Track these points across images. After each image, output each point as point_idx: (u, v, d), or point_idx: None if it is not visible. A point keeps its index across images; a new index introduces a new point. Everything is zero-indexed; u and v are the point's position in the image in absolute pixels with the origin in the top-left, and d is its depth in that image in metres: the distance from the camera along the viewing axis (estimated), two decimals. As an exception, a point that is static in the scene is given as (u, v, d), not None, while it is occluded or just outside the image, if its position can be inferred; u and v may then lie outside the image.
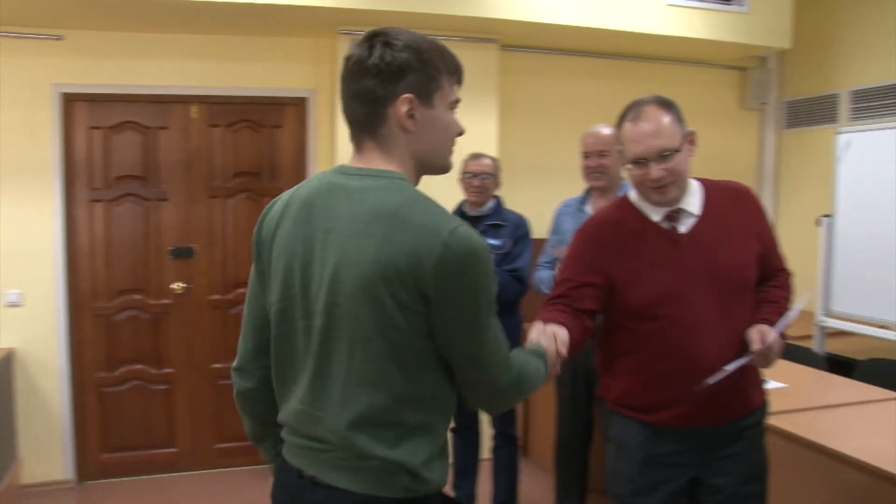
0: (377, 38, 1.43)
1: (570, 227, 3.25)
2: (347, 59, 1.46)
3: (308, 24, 4.13)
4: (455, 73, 1.50)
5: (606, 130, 3.23)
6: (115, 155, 4.21)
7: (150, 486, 4.24)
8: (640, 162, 1.97)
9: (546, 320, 1.84)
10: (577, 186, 3.41)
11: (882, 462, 2.23)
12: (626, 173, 2.08)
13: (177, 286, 4.31)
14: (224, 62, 4.26)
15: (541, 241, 3.52)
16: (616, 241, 2.08)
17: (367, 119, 1.43)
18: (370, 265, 1.31)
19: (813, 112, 5.19)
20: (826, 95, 5.08)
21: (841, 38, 4.98)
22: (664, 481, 2.07)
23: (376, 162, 1.43)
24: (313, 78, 4.40)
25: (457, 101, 1.50)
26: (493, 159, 3.53)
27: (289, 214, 1.46)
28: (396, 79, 1.40)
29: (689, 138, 2.02)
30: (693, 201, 2.05)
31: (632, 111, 2.01)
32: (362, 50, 1.43)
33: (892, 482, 2.07)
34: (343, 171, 1.46)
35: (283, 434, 1.53)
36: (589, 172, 3.24)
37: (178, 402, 4.37)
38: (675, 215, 2.03)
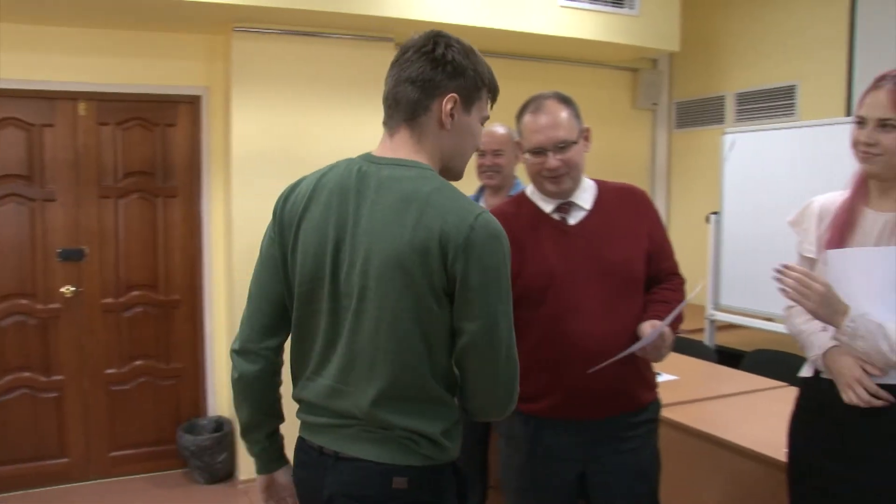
0: (440, 38, 1.53)
1: None
2: (406, 47, 1.54)
3: (202, 21, 4.06)
4: (493, 91, 1.62)
5: (502, 129, 3.29)
6: (-3, 153, 4.03)
7: (41, 499, 4.07)
8: (538, 151, 2.06)
9: None
10: (472, 185, 3.47)
11: (769, 449, 2.31)
12: (523, 164, 2.16)
13: (66, 290, 4.16)
14: (114, 58, 4.13)
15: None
16: (508, 233, 2.14)
17: (412, 104, 1.52)
18: (403, 248, 1.41)
19: (701, 113, 5.42)
20: (713, 97, 5.32)
21: (727, 42, 5.23)
22: (552, 475, 2.12)
23: (405, 151, 1.53)
24: (207, 76, 4.32)
25: (486, 118, 1.63)
26: None
27: (318, 200, 1.54)
28: (452, 76, 1.51)
29: (585, 134, 2.12)
30: (585, 196, 2.14)
31: (533, 104, 2.10)
32: (425, 42, 1.53)
33: (779, 468, 2.13)
34: (372, 159, 1.55)
35: (301, 414, 1.62)
36: (483, 171, 3.29)
37: (69, 411, 4.21)
38: (566, 207, 2.12)
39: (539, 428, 2.12)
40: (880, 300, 1.78)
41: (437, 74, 1.51)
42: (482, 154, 3.28)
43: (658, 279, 2.16)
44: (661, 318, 2.00)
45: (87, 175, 4.17)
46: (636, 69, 5.48)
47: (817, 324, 1.94)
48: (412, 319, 1.43)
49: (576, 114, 2.09)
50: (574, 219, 2.12)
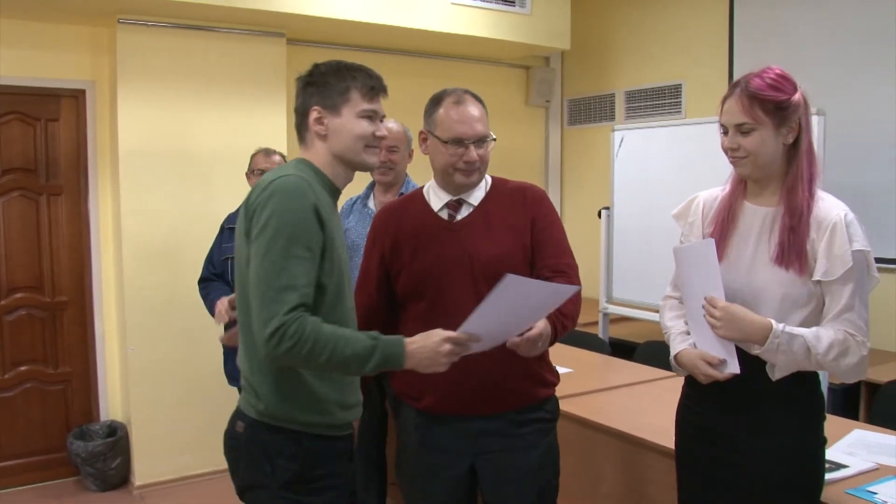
0: (315, 66, 1.92)
1: (354, 223, 3.31)
2: None
3: (85, 11, 3.92)
4: (368, 87, 1.89)
5: (396, 126, 3.31)
6: None
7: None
8: (458, 142, 2.08)
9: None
10: (364, 182, 3.48)
11: (661, 438, 2.37)
12: (437, 155, 2.14)
13: (-59, 294, 3.95)
14: (-9, 49, 3.95)
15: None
16: (393, 227, 2.19)
17: (298, 129, 1.93)
18: (241, 220, 1.81)
19: (592, 110, 5.62)
20: (604, 94, 5.52)
21: (616, 41, 5.44)
22: (442, 467, 2.15)
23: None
24: (92, 69, 4.18)
25: (370, 110, 1.88)
26: (282, 155, 3.53)
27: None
28: (312, 94, 1.88)
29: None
30: (477, 194, 2.18)
31: (452, 96, 2.12)
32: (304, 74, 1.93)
33: (670, 455, 2.17)
34: None
35: None
36: (378, 167, 3.29)
37: (-53, 421, 4.00)
38: (455, 205, 2.16)
39: (428, 423, 2.16)
40: (712, 288, 1.88)
41: (303, 97, 1.88)
42: None
43: (546, 275, 2.13)
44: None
45: (-37, 172, 3.97)
46: (528, 67, 5.63)
47: (680, 324, 2.06)
48: (241, 281, 1.78)
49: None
50: (460, 216, 2.16)
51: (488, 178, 2.22)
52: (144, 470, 4.14)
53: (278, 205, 1.68)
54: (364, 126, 1.86)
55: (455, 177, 2.12)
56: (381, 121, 1.94)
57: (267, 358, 1.65)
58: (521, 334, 1.87)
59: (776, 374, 1.85)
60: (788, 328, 1.79)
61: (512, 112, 5.54)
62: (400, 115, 3.68)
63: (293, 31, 4.40)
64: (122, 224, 4.02)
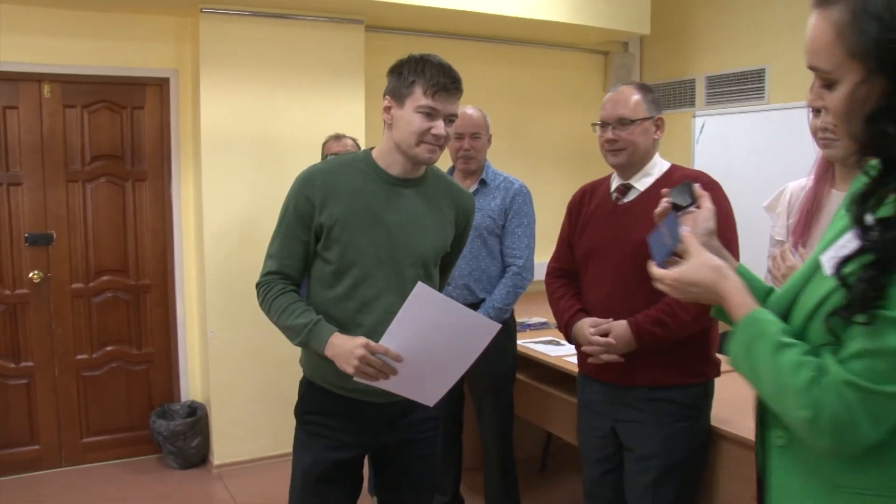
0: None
1: None
2: None
3: (168, 2, 4.01)
4: (429, 84, 1.95)
5: (475, 112, 3.28)
6: (-42, 137, 3.96)
7: (12, 486, 4.02)
8: (602, 125, 2.28)
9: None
10: (445, 167, 3.46)
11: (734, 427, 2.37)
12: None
13: (34, 275, 4.11)
14: (80, 39, 4.06)
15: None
16: (580, 205, 2.46)
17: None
18: None
19: (672, 95, 5.46)
20: (684, 80, 5.35)
21: (697, 26, 5.26)
22: (595, 427, 2.40)
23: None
24: (175, 58, 4.27)
25: (429, 107, 1.95)
26: (354, 140, 3.53)
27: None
28: (389, 83, 2.06)
29: (656, 121, 2.27)
30: (646, 180, 2.26)
31: (613, 88, 2.35)
32: None
33: (744, 446, 2.22)
34: None
35: None
36: (460, 154, 3.26)
37: (39, 397, 4.16)
38: (623, 188, 2.29)
39: (582, 383, 2.52)
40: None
41: (386, 85, 2.01)
42: (459, 137, 3.24)
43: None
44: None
45: (54, 159, 4.11)
46: (607, 52, 5.50)
47: None
48: None
49: (650, 101, 2.29)
50: (628, 198, 2.30)
51: (664, 164, 2.31)
52: (223, 450, 4.24)
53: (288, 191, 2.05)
54: (419, 122, 1.91)
55: (605, 157, 2.34)
56: (449, 121, 1.95)
57: None
58: None
59: None
60: None
61: (590, 98, 5.42)
62: (479, 101, 3.65)
63: (371, 17, 4.40)
64: (204, 209, 4.11)
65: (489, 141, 3.33)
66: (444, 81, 1.91)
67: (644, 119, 2.23)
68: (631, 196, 2.28)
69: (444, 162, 3.36)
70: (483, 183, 3.28)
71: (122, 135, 4.26)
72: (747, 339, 1.13)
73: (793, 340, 1.08)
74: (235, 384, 4.20)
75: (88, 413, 4.27)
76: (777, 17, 4.73)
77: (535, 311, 4.06)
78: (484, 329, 1.86)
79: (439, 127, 1.92)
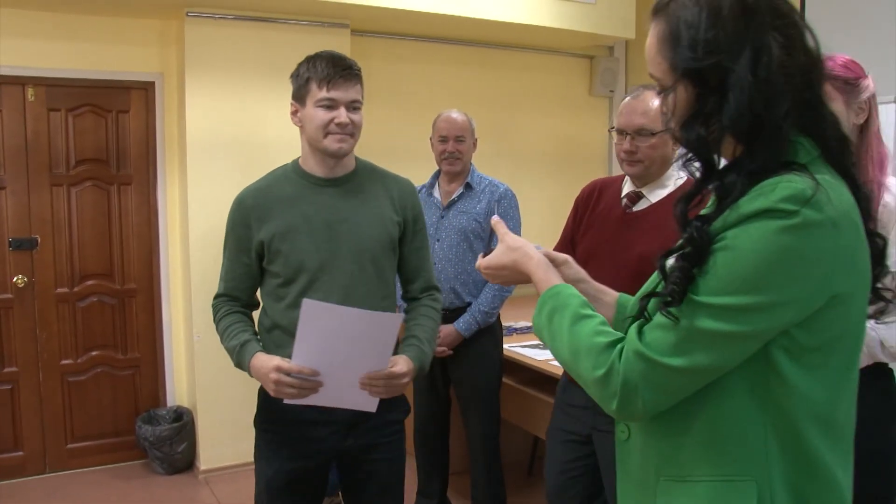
0: None
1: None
2: None
3: (154, 6, 4.00)
4: (321, 76, 1.97)
5: (462, 116, 3.30)
6: (-59, 140, 3.93)
7: (-7, 492, 4.01)
8: (619, 132, 2.18)
9: None
10: (431, 171, 3.47)
11: None
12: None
13: (18, 279, 4.08)
14: (65, 42, 4.04)
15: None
16: (589, 203, 2.37)
17: None
18: None
19: (657, 99, 5.49)
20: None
21: (680, 30, 5.29)
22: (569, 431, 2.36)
23: None
24: (160, 61, 4.26)
25: (329, 98, 1.97)
26: None
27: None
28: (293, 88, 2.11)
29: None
30: (660, 193, 2.19)
31: (634, 91, 2.20)
32: None
33: None
34: None
35: None
36: (445, 157, 3.28)
37: (23, 403, 4.13)
38: (634, 196, 2.22)
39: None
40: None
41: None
42: (444, 140, 3.26)
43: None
44: None
45: (38, 162, 4.08)
46: (592, 56, 5.53)
47: None
48: None
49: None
50: (639, 207, 2.26)
51: (681, 176, 2.20)
52: (209, 455, 4.22)
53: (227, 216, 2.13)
54: (321, 115, 1.96)
55: (622, 166, 2.23)
56: (353, 108, 1.99)
57: None
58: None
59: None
60: None
61: (575, 102, 5.45)
62: (464, 105, 3.67)
63: (357, 21, 4.40)
64: (189, 213, 4.10)
65: (474, 145, 3.35)
66: (336, 70, 1.94)
67: (665, 130, 2.19)
68: (641, 206, 2.20)
69: (429, 165, 3.40)
70: (468, 186, 3.29)
71: (107, 139, 4.24)
72: (549, 309, 1.22)
73: (592, 312, 1.18)
74: (222, 389, 4.19)
75: (73, 418, 4.24)
76: (760, 22, 4.76)
77: (521, 316, 4.07)
78: (387, 322, 1.84)
79: (341, 115, 1.96)
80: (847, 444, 1.13)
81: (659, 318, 1.07)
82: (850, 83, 1.88)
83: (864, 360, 1.86)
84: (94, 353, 4.29)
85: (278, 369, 1.85)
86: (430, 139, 3.36)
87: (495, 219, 1.43)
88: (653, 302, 1.10)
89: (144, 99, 4.29)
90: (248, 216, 2.03)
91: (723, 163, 1.11)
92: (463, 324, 3.21)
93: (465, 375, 3.33)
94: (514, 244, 1.34)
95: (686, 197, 1.11)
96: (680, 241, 1.08)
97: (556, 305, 1.21)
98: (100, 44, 4.12)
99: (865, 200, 1.08)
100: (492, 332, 3.31)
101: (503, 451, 3.39)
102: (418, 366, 2.02)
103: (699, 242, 1.03)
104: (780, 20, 1.06)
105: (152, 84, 4.27)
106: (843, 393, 1.10)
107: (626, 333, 1.12)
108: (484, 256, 1.41)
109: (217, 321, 2.12)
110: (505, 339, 3.51)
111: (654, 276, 1.18)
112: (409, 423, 3.56)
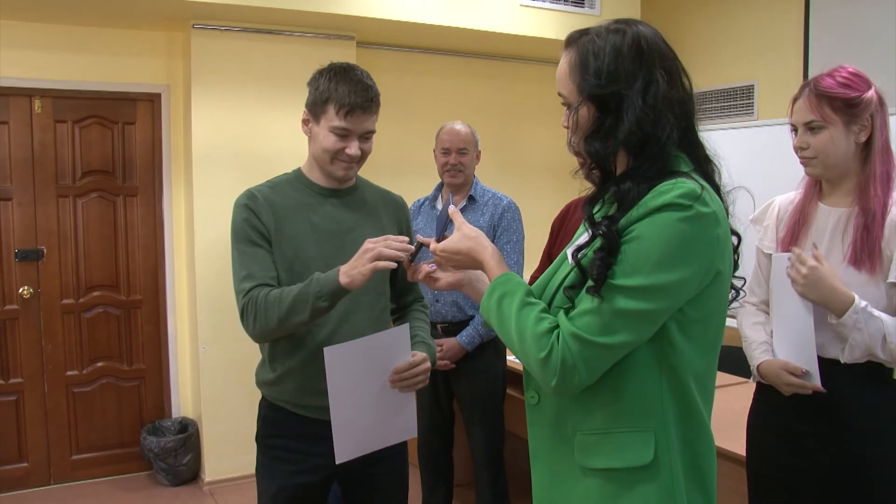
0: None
1: (422, 224, 3.32)
2: None
3: (161, 18, 4.02)
4: (342, 105, 1.91)
5: (465, 128, 3.30)
6: (-51, 152, 3.95)
7: (-2, 503, 4.01)
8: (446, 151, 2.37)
9: None
10: (435, 183, 3.47)
11: (730, 444, 2.31)
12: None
13: (24, 290, 4.09)
14: (71, 54, 4.07)
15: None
16: (563, 221, 2.55)
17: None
18: None
19: (661, 110, 5.49)
20: (673, 95, 5.39)
21: (686, 42, 5.30)
22: None
23: None
24: (167, 73, 4.28)
25: (343, 128, 1.92)
26: None
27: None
28: (308, 96, 2.02)
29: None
30: None
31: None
32: None
33: (740, 462, 2.20)
34: None
35: None
36: (447, 169, 3.27)
37: (28, 414, 4.14)
38: None
39: None
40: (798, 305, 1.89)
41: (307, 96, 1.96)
42: (446, 152, 3.26)
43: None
44: None
45: (45, 174, 4.11)
46: (597, 67, 5.53)
47: (761, 334, 2.04)
48: None
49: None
50: None
51: None
52: (214, 467, 4.22)
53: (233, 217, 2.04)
54: (332, 142, 1.92)
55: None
56: (365, 139, 1.96)
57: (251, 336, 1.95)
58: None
59: (846, 356, 1.81)
60: (870, 308, 1.76)
61: (579, 113, 5.46)
62: (469, 117, 3.68)
63: (363, 34, 4.42)
64: (195, 225, 4.11)
65: (478, 157, 3.34)
66: (358, 101, 1.87)
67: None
68: None
69: (433, 177, 3.40)
70: (472, 199, 3.29)
71: (113, 150, 4.26)
72: (499, 294, 1.35)
73: (536, 300, 1.33)
74: (227, 400, 4.19)
75: (78, 430, 4.25)
76: (765, 34, 4.77)
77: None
78: (398, 337, 1.87)
79: (353, 147, 1.92)
80: (711, 398, 1.35)
81: (585, 304, 1.23)
82: (851, 104, 1.82)
83: (858, 353, 1.80)
84: (99, 364, 4.30)
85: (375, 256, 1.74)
86: (434, 151, 3.36)
87: (452, 209, 1.53)
88: (572, 290, 1.27)
89: (151, 111, 4.32)
90: (260, 209, 1.97)
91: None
92: (465, 337, 3.20)
93: (469, 388, 3.33)
94: (471, 233, 1.45)
95: (591, 200, 1.29)
96: (585, 238, 1.30)
97: (506, 291, 1.34)
98: (106, 56, 4.15)
99: (725, 203, 1.33)
100: (494, 345, 3.30)
101: (507, 462, 3.38)
102: (430, 360, 2.02)
103: (611, 237, 1.20)
104: (665, 61, 1.30)
105: (158, 96, 4.30)
106: (712, 357, 1.32)
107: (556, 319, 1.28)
108: (437, 241, 1.49)
109: (262, 301, 1.86)
110: (508, 350, 3.50)
111: (570, 269, 1.31)
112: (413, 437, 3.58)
